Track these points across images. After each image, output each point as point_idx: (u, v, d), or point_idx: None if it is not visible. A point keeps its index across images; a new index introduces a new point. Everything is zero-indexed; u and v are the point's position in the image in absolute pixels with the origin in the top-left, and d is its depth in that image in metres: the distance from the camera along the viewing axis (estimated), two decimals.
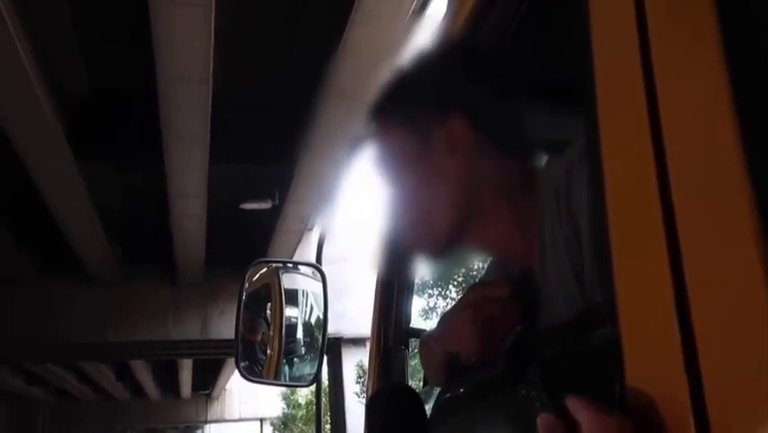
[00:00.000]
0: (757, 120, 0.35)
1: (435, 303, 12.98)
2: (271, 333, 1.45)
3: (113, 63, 5.05)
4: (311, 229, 7.82)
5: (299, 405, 19.56)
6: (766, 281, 0.33)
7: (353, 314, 5.95)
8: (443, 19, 0.96)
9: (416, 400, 0.76)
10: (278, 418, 21.46)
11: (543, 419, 0.46)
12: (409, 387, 0.84)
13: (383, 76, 0.81)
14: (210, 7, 3.72)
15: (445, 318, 0.78)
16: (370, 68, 3.99)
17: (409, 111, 0.77)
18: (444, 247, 0.76)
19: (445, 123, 0.73)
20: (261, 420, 22.62)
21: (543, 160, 0.77)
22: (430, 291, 13.17)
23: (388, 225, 0.85)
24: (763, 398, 0.33)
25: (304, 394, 18.68)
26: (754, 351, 0.34)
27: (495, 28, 0.81)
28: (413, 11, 3.99)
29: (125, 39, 4.66)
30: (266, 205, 6.71)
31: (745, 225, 0.34)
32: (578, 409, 0.43)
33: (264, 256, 7.19)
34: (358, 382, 8.57)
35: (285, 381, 1.56)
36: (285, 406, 20.46)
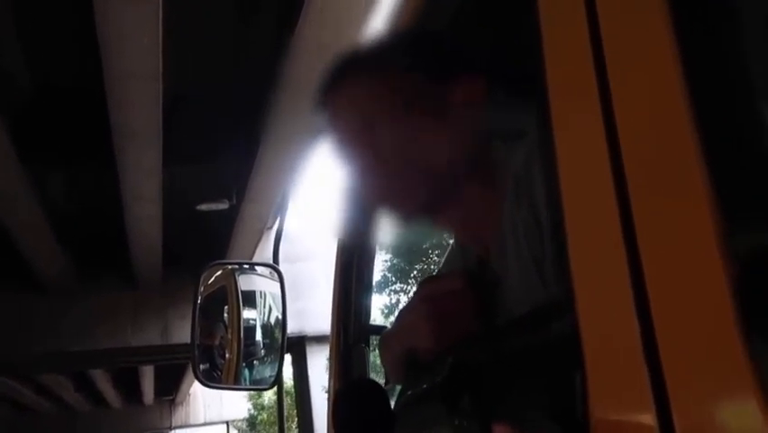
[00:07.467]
0: (710, 109, 0.35)
1: (395, 300, 13.06)
2: (229, 336, 1.42)
3: (59, 59, 4.86)
4: (271, 228, 7.73)
5: (263, 407, 19.42)
6: (723, 267, 0.32)
7: (316, 312, 5.90)
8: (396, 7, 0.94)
9: (381, 394, 0.75)
10: (243, 420, 21.28)
11: None
12: (375, 382, 0.83)
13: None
14: (157, 2, 3.61)
15: (402, 315, 0.77)
16: (324, 60, 3.94)
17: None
18: (418, 208, 0.76)
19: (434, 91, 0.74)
20: (228, 423, 22.41)
21: (502, 147, 0.76)
22: (390, 288, 13.22)
23: (358, 192, 0.84)
24: (726, 393, 0.33)
25: (268, 396, 18.58)
26: (715, 342, 0.33)
27: (445, 13, 0.81)
28: (366, 3, 3.96)
29: (71, 33, 4.50)
30: (223, 205, 6.59)
31: (700, 211, 0.34)
32: None
33: (225, 257, 7.08)
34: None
35: (245, 384, 1.53)
36: (251, 408, 20.28)
